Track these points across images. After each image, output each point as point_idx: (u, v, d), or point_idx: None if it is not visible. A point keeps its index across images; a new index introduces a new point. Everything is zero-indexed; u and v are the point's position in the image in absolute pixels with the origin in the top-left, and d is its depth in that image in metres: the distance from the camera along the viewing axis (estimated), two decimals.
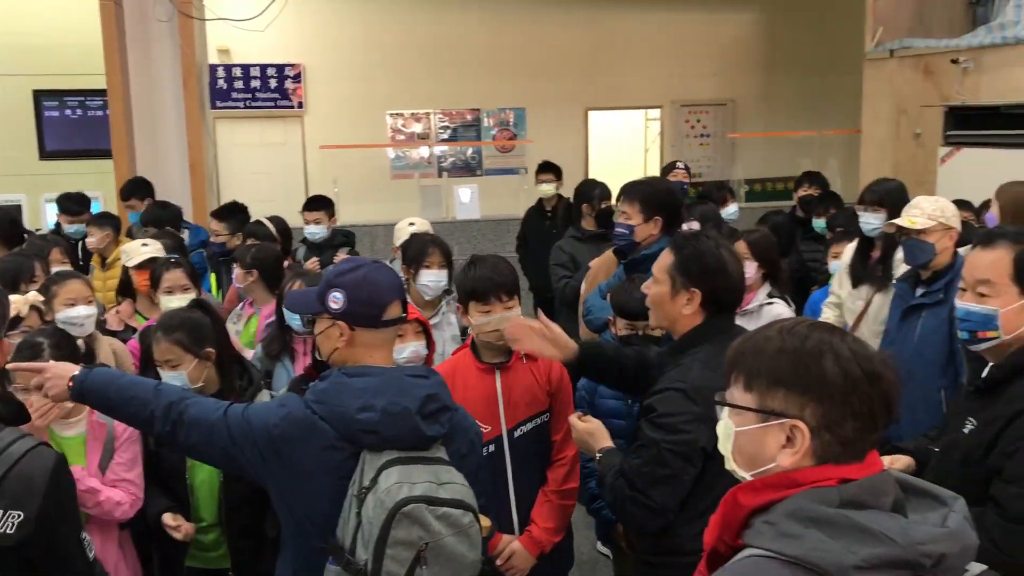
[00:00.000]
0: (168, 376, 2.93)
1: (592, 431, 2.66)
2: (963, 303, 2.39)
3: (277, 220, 5.52)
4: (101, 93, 8.33)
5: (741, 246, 4.08)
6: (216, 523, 3.03)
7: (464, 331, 4.17)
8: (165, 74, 7.85)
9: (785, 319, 1.49)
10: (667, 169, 6.48)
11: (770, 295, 4.06)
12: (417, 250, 4.06)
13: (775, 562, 1.29)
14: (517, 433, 2.96)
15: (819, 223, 5.84)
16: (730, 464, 1.47)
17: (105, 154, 8.07)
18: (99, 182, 8.24)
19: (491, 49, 11.27)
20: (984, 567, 1.36)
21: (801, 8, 11.89)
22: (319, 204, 5.99)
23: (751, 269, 4.05)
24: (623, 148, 12.91)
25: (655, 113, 12.56)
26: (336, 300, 2.16)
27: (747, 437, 1.42)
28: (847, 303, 4.40)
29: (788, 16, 12.05)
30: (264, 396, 3.04)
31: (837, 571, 1.24)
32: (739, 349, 1.46)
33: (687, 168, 6.40)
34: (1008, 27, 7.62)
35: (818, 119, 11.55)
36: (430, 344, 3.16)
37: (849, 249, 4.48)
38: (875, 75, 8.97)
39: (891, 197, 4.19)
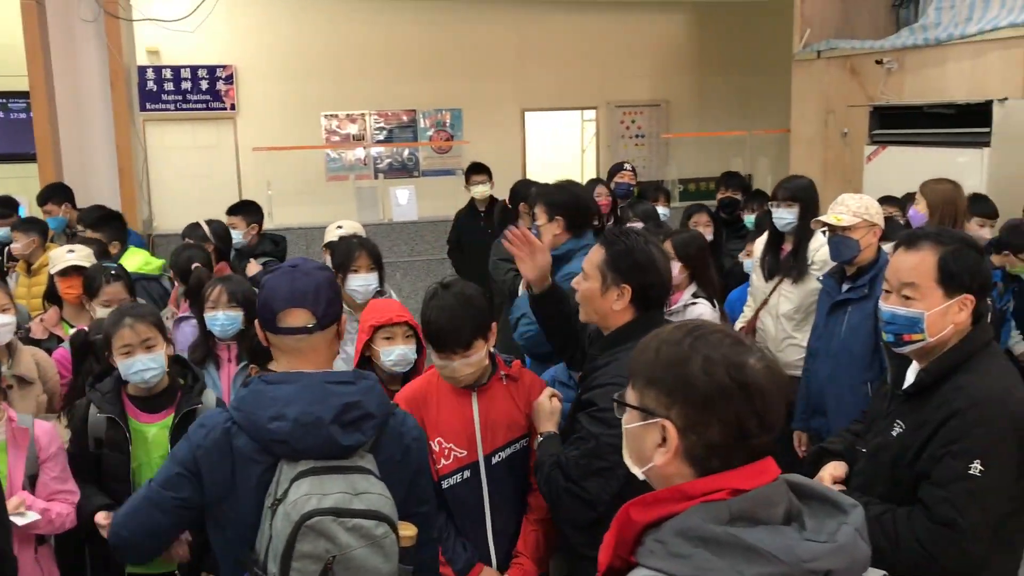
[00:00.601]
0: (145, 360, 2.94)
1: (551, 414, 2.72)
2: (888, 306, 2.38)
3: (216, 224, 5.40)
4: (24, 95, 8.12)
5: (667, 246, 4.16)
6: None
7: None
8: (92, 75, 7.69)
9: (683, 321, 1.49)
10: (614, 170, 6.54)
11: (695, 295, 4.14)
12: (344, 254, 4.00)
13: None
14: (495, 459, 2.77)
15: (751, 219, 5.96)
16: (626, 460, 1.49)
17: (30, 158, 7.86)
18: (23, 186, 8.01)
19: (426, 50, 11.23)
20: (883, 572, 1.37)
21: (731, 10, 12.09)
22: (235, 209, 5.82)
23: (676, 269, 4.13)
24: (560, 149, 12.99)
25: (591, 114, 12.64)
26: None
27: (632, 434, 1.45)
28: (758, 296, 4.53)
29: (718, 18, 12.23)
30: (210, 396, 3.04)
31: None
32: (636, 349, 1.48)
33: (633, 170, 6.45)
34: (930, 29, 7.86)
35: (749, 119, 11.74)
36: (421, 348, 3.04)
37: (759, 243, 4.60)
38: (803, 76, 9.17)
39: (803, 193, 4.38)
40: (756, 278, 4.60)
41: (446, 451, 2.72)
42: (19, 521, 2.73)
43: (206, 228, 5.20)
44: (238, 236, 5.67)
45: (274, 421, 2.00)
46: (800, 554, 1.26)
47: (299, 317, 2.10)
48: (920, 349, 2.34)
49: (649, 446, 1.40)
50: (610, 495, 2.45)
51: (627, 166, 6.45)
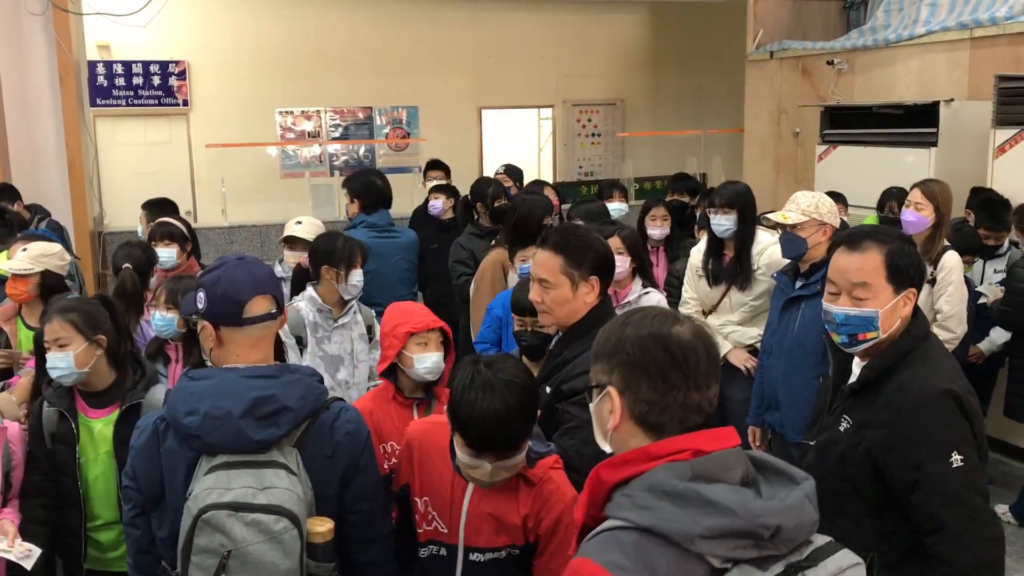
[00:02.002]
0: (56, 358, 2.89)
1: None
2: (840, 308, 2.36)
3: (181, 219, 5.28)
4: None
5: (616, 241, 4.20)
6: (115, 521, 2.98)
7: (370, 329, 4.15)
8: (40, 70, 7.54)
9: (628, 310, 1.63)
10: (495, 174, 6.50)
11: (644, 286, 4.20)
12: (349, 251, 4.01)
13: (631, 531, 1.41)
14: (473, 556, 2.33)
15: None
16: (597, 440, 1.61)
17: None
18: None
19: (383, 47, 11.18)
20: (829, 538, 1.47)
21: (685, 11, 12.20)
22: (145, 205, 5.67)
23: (624, 263, 4.18)
24: (517, 147, 13.01)
25: (547, 112, 12.69)
26: (200, 300, 2.14)
27: (595, 412, 1.60)
28: (707, 302, 4.55)
29: (673, 19, 12.35)
30: (159, 391, 2.98)
31: (683, 539, 1.37)
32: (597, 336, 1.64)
33: (508, 172, 6.31)
34: (879, 30, 8.01)
35: (703, 118, 11.88)
36: (448, 355, 2.98)
37: (696, 251, 4.62)
38: (756, 76, 9.29)
39: (739, 199, 4.37)
40: (700, 282, 4.60)
41: (429, 517, 2.38)
42: (28, 564, 2.70)
43: (181, 225, 5.07)
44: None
45: (188, 416, 2.01)
46: (754, 509, 1.38)
47: (263, 304, 2.12)
48: (873, 346, 2.36)
49: (605, 416, 1.56)
50: None
51: (500, 169, 6.33)
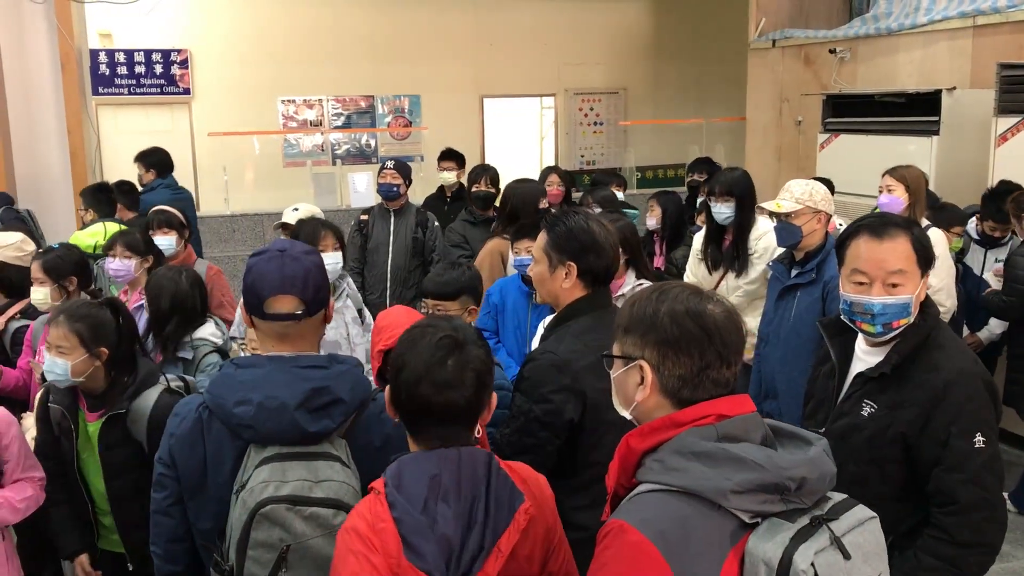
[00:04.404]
0: (53, 362, 2.86)
1: None
2: (877, 298, 2.32)
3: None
4: None
5: None
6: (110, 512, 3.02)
7: (360, 312, 4.16)
8: (42, 58, 7.56)
9: (653, 284, 1.66)
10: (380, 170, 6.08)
11: (638, 277, 4.20)
12: (310, 235, 3.96)
13: (665, 493, 1.49)
14: None
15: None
16: (616, 406, 1.67)
17: None
18: None
19: (385, 36, 11.17)
20: (844, 495, 1.55)
21: None
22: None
23: None
24: (520, 135, 13.00)
25: (549, 101, 12.67)
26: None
27: (618, 381, 1.66)
28: (706, 287, 4.59)
29: (675, 6, 12.31)
30: (152, 393, 2.89)
31: (715, 495, 1.45)
32: (618, 312, 1.70)
33: (395, 167, 5.90)
34: (881, 19, 7.98)
35: (705, 107, 11.84)
36: None
37: (699, 237, 4.66)
38: (758, 64, 9.27)
39: (738, 187, 4.44)
40: (700, 267, 4.63)
41: None
42: None
43: (180, 215, 5.06)
44: None
45: (239, 406, 1.97)
46: (779, 463, 1.48)
47: (287, 303, 2.04)
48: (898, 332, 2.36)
49: (631, 387, 1.61)
50: (539, 470, 2.47)
51: (389, 164, 5.92)
